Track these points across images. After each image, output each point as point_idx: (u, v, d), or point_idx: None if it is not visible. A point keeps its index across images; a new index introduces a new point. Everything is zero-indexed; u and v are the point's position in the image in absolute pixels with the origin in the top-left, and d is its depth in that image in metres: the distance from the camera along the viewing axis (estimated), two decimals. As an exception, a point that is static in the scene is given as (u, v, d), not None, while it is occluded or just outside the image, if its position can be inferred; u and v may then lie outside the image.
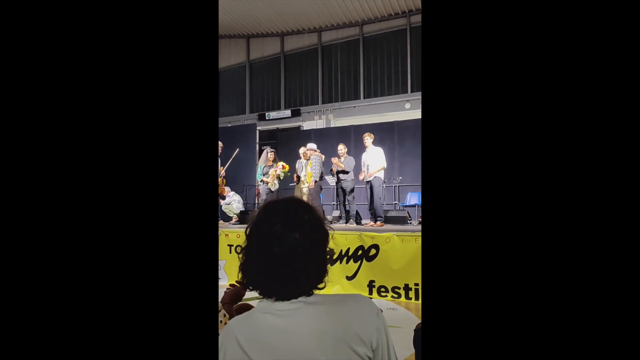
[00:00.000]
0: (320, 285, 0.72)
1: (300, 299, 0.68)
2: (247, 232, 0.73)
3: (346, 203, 5.25)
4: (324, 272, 0.72)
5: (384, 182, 6.29)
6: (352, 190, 5.24)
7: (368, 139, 5.19)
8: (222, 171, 5.72)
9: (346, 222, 5.20)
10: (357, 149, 6.69)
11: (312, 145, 5.75)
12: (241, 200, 6.45)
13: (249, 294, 0.86)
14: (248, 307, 1.09)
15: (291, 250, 0.67)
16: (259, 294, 0.71)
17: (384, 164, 5.02)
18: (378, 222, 4.88)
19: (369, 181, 5.05)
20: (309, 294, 0.70)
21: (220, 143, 5.73)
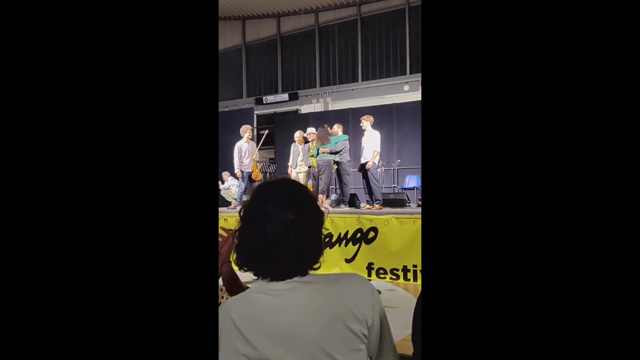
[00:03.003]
0: (316, 266, 0.72)
1: (295, 278, 0.68)
2: (241, 213, 0.72)
3: (343, 186, 5.23)
4: (319, 253, 0.72)
5: (383, 164, 6.29)
6: (345, 173, 5.16)
7: (364, 122, 5.06)
8: (255, 155, 5.59)
9: (339, 205, 5.20)
10: (355, 132, 6.64)
11: (312, 130, 5.71)
12: (239, 185, 6.45)
13: (245, 277, 0.86)
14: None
15: (285, 230, 0.66)
16: (254, 274, 0.71)
17: (377, 149, 4.93)
18: (376, 205, 4.89)
19: (363, 166, 5.01)
20: (304, 274, 0.69)
21: (249, 127, 5.65)
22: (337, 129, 5.21)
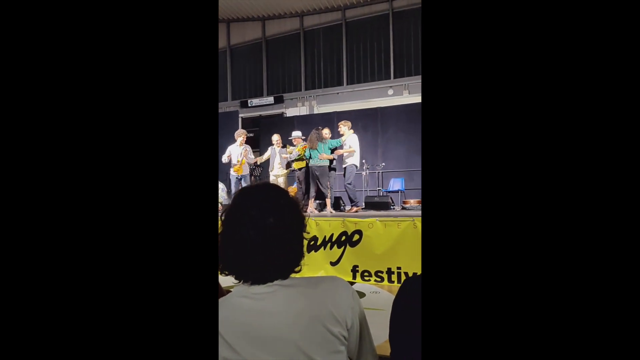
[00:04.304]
0: (297, 269, 0.73)
1: (276, 282, 0.69)
2: (223, 218, 0.72)
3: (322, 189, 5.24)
4: (300, 256, 0.73)
5: (367, 168, 6.34)
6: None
7: (342, 127, 5.19)
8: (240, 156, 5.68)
9: (323, 208, 5.23)
10: (340, 136, 6.69)
11: (297, 133, 5.71)
12: (225, 189, 6.40)
13: (227, 281, 0.86)
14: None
15: (266, 234, 0.67)
16: (235, 278, 0.71)
17: (354, 149, 5.05)
18: (354, 208, 4.95)
19: (344, 168, 5.10)
20: (285, 277, 0.70)
21: (244, 132, 5.87)
22: (327, 134, 5.26)
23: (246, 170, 5.74)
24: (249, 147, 5.81)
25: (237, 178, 5.64)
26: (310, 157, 5.05)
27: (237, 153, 5.66)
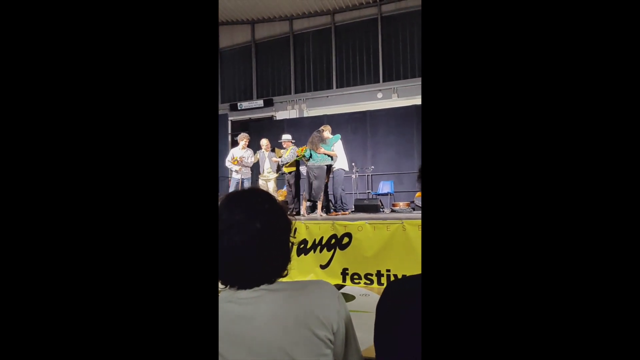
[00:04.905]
0: (283, 273, 0.73)
1: (263, 286, 0.69)
2: (209, 223, 0.73)
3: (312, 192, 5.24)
4: (287, 261, 0.73)
5: (357, 170, 6.38)
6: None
7: (325, 131, 5.20)
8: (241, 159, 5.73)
9: (313, 211, 5.23)
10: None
11: (287, 137, 5.70)
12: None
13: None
14: None
15: (252, 239, 0.68)
16: (222, 283, 0.71)
17: (336, 153, 5.10)
18: (341, 212, 4.98)
19: (333, 172, 5.17)
20: (272, 281, 0.71)
21: (247, 135, 5.94)
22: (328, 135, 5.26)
23: (248, 174, 5.79)
24: (250, 151, 5.84)
25: (237, 181, 5.68)
26: (310, 157, 5.01)
27: (239, 156, 5.78)
